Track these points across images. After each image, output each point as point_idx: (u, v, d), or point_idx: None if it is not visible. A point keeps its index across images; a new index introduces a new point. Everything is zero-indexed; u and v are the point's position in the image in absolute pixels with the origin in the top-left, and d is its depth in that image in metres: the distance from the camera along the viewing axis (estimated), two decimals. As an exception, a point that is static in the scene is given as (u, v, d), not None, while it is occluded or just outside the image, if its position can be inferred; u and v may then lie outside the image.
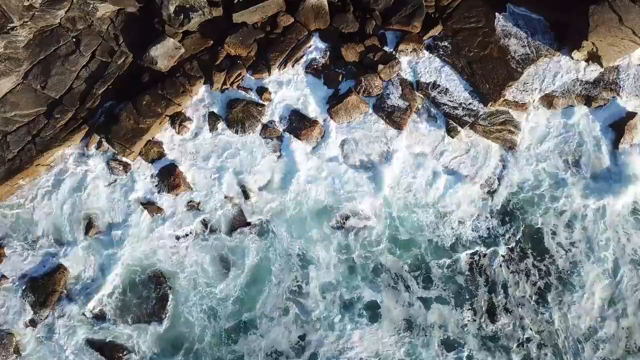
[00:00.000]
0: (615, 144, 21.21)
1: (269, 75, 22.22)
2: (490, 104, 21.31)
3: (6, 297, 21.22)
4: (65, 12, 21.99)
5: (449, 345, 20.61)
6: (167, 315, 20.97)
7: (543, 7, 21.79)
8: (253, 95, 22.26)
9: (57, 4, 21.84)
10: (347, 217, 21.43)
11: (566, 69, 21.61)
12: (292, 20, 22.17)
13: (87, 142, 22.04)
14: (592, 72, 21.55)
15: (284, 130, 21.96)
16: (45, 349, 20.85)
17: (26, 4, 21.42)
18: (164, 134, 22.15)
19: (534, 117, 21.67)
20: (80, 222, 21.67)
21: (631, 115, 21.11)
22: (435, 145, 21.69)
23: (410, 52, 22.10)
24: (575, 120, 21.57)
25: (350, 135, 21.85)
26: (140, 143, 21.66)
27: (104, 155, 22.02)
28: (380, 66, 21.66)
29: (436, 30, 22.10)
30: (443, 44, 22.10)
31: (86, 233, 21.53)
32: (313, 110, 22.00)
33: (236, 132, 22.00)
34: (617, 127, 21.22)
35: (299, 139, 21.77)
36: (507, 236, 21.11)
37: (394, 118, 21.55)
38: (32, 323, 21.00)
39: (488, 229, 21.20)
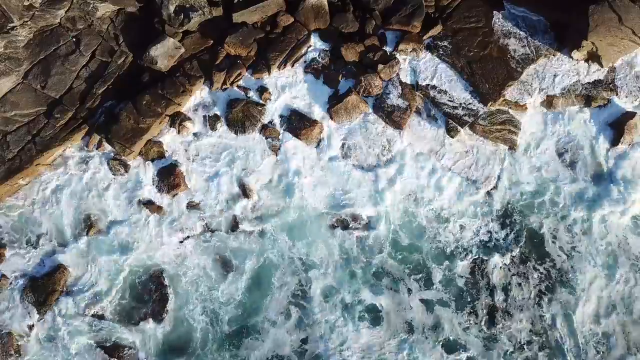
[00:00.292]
0: (614, 144, 21.20)
1: (269, 75, 22.23)
2: (490, 103, 21.31)
3: (6, 296, 21.22)
4: (65, 12, 22.00)
5: (450, 347, 20.52)
6: (166, 315, 20.91)
7: (543, 7, 21.79)
8: (253, 95, 22.27)
9: (57, 4, 21.85)
10: (347, 219, 21.38)
11: (566, 68, 21.62)
12: (292, 20, 22.18)
13: (87, 141, 22.06)
14: (592, 71, 21.53)
15: (283, 130, 21.97)
16: (45, 349, 20.83)
17: (26, 3, 21.42)
18: (164, 133, 22.15)
19: (534, 117, 21.66)
20: (81, 221, 21.68)
21: (631, 115, 21.10)
22: (435, 145, 21.69)
23: (410, 52, 22.11)
24: (575, 120, 21.54)
25: (350, 135, 21.86)
26: (140, 143, 21.67)
27: (104, 155, 22.03)
28: (380, 66, 21.66)
29: (436, 30, 22.11)
30: (443, 43, 22.11)
31: (86, 233, 21.53)
32: (313, 110, 22.00)
33: (236, 132, 22.01)
34: (617, 127, 21.21)
35: (299, 138, 21.78)
36: (507, 240, 21.01)
37: (394, 118, 21.55)
38: (31, 323, 21.02)
39: (489, 232, 21.11)
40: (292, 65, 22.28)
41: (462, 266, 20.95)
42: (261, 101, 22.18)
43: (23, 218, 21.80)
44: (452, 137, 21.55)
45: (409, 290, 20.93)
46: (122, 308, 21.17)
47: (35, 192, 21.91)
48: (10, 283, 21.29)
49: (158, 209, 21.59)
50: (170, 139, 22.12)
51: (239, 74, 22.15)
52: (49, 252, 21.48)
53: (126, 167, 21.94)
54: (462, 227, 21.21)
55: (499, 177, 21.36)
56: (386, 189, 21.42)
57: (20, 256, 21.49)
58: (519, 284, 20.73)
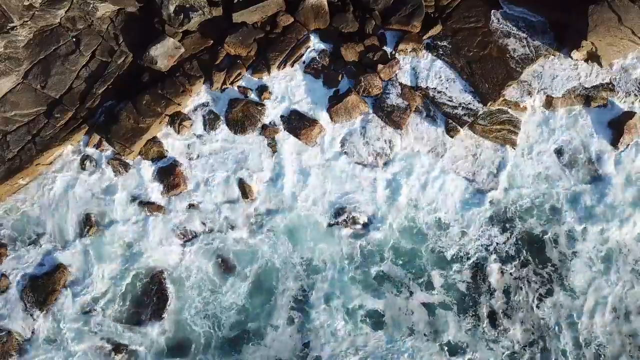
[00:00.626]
0: (614, 144, 21.20)
1: (269, 74, 22.24)
2: (489, 103, 21.32)
3: (6, 296, 21.22)
4: (65, 12, 22.01)
5: (451, 349, 20.44)
6: (166, 316, 20.86)
7: (542, 7, 21.79)
8: (253, 95, 22.29)
9: (57, 4, 21.86)
10: (347, 221, 21.30)
11: (565, 68, 21.63)
12: (291, 20, 22.19)
13: (87, 141, 22.07)
14: (592, 71, 21.55)
15: (283, 130, 21.97)
16: (45, 349, 20.82)
17: (26, 3, 21.43)
18: (164, 133, 22.16)
19: (533, 117, 21.66)
20: (80, 222, 21.67)
21: (630, 114, 21.11)
22: (435, 145, 21.68)
23: (410, 51, 22.13)
24: (574, 120, 21.56)
25: (349, 135, 21.86)
26: (140, 142, 21.68)
27: (104, 154, 22.04)
28: (380, 66, 21.68)
29: (436, 30, 22.12)
30: (442, 43, 22.12)
31: (86, 233, 21.53)
32: (313, 109, 22.00)
33: (236, 131, 22.01)
34: (616, 127, 21.21)
35: (299, 138, 21.79)
36: (508, 244, 20.90)
37: (394, 118, 21.56)
38: (31, 322, 21.02)
39: (490, 236, 21.03)
40: (292, 65, 22.29)
41: (462, 269, 20.86)
42: (261, 101, 22.19)
43: (23, 218, 21.78)
44: (452, 137, 21.56)
45: (411, 294, 20.83)
46: (122, 308, 21.15)
47: (35, 192, 21.90)
48: (10, 283, 21.28)
49: (158, 209, 21.60)
50: (170, 139, 22.12)
51: (239, 74, 22.16)
52: (48, 252, 21.47)
53: (126, 167, 21.94)
54: (461, 228, 21.15)
55: (498, 178, 21.34)
56: (386, 189, 21.42)
57: (20, 256, 21.49)
58: (520, 287, 20.64)
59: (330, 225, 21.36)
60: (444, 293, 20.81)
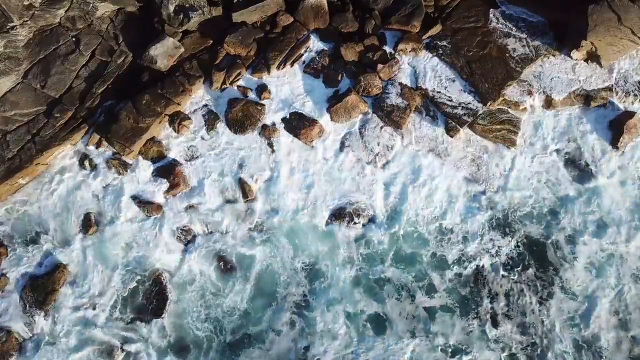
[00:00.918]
0: (614, 143, 21.19)
1: (269, 74, 22.24)
2: (489, 103, 21.32)
3: (6, 296, 21.23)
4: (65, 12, 22.02)
5: (453, 351, 20.36)
6: (166, 317, 20.86)
7: (542, 7, 21.79)
8: (252, 95, 22.28)
9: (57, 4, 21.86)
10: (347, 222, 21.24)
11: (565, 68, 21.63)
12: (291, 19, 22.19)
13: (86, 141, 22.08)
14: (592, 71, 21.56)
15: (283, 130, 21.97)
16: (44, 349, 20.80)
17: (26, 3, 21.43)
18: (164, 133, 22.16)
19: (533, 117, 21.66)
20: (80, 221, 21.67)
21: (630, 114, 21.10)
22: (435, 145, 21.66)
23: (410, 51, 22.13)
24: (574, 120, 21.55)
25: (349, 135, 21.85)
26: (140, 142, 21.69)
27: (104, 154, 22.05)
28: (380, 65, 21.68)
29: (435, 30, 22.13)
30: (442, 43, 22.12)
31: (86, 232, 21.53)
32: (312, 109, 22.00)
33: (235, 131, 22.01)
34: (616, 126, 21.19)
35: (299, 138, 21.78)
36: (509, 247, 20.82)
37: (393, 117, 21.56)
38: (31, 322, 21.04)
39: (492, 240, 20.93)
40: (292, 65, 22.30)
41: (463, 272, 20.79)
42: (261, 101, 22.19)
43: (23, 217, 21.79)
44: (452, 136, 21.55)
45: (412, 297, 20.73)
46: (121, 308, 21.13)
47: (35, 192, 21.90)
48: (10, 282, 21.27)
49: (157, 208, 21.59)
50: (169, 139, 22.12)
51: (239, 74, 22.16)
52: (48, 252, 21.47)
53: (126, 166, 21.94)
54: (461, 228, 21.10)
55: (498, 179, 21.30)
56: (385, 190, 21.41)
57: (20, 255, 21.49)
58: (521, 290, 20.55)
59: (329, 224, 21.31)
60: (446, 296, 20.69)
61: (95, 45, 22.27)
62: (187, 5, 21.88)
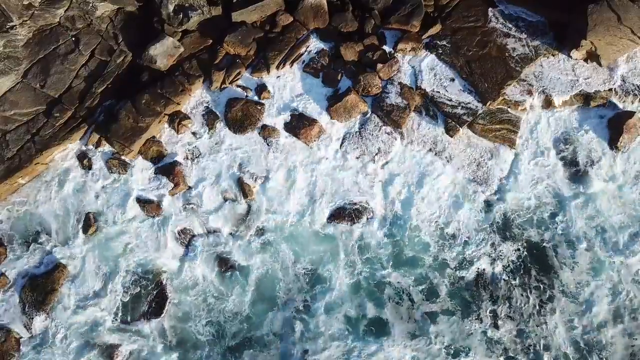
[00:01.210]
0: (613, 143, 21.16)
1: (268, 74, 22.24)
2: (489, 103, 21.31)
3: (6, 296, 21.22)
4: (65, 11, 22.03)
5: (453, 353, 20.28)
6: (166, 316, 20.85)
7: (542, 7, 21.81)
8: (252, 94, 22.28)
9: (57, 3, 21.87)
10: (346, 222, 21.19)
11: (565, 68, 21.63)
12: (291, 19, 22.20)
13: (86, 140, 22.07)
14: (591, 71, 21.55)
15: (283, 129, 21.96)
16: (44, 348, 20.79)
17: (25, 3, 21.44)
18: (163, 132, 22.16)
19: (533, 117, 21.64)
20: (80, 221, 21.65)
21: (629, 114, 21.09)
22: (435, 146, 21.62)
23: (409, 51, 22.13)
24: (573, 120, 21.54)
25: (349, 134, 21.85)
26: (140, 142, 21.68)
27: (103, 154, 22.04)
28: (379, 65, 21.68)
29: (435, 30, 22.13)
30: (442, 43, 22.13)
31: (85, 232, 21.52)
32: (312, 109, 21.99)
33: (235, 131, 22.01)
34: (616, 126, 21.17)
35: (298, 138, 21.78)
36: (510, 251, 20.75)
37: (393, 117, 21.56)
38: (30, 322, 21.03)
39: (492, 243, 20.84)
40: (292, 65, 22.30)
41: (464, 275, 20.74)
42: (260, 100, 22.19)
43: (22, 217, 21.77)
44: (451, 136, 21.54)
45: (412, 301, 20.62)
46: (121, 308, 21.10)
47: (34, 191, 21.88)
48: (10, 282, 21.27)
49: (157, 208, 21.59)
50: (169, 139, 22.11)
51: (238, 73, 22.16)
52: (48, 251, 21.45)
53: (125, 166, 21.93)
54: (461, 228, 21.07)
55: (498, 180, 21.24)
56: (385, 190, 21.38)
57: (19, 255, 21.48)
58: (522, 294, 20.50)
59: (329, 224, 21.23)
60: (447, 300, 20.59)
61: (94, 45, 22.28)
62: (186, 4, 21.89)
